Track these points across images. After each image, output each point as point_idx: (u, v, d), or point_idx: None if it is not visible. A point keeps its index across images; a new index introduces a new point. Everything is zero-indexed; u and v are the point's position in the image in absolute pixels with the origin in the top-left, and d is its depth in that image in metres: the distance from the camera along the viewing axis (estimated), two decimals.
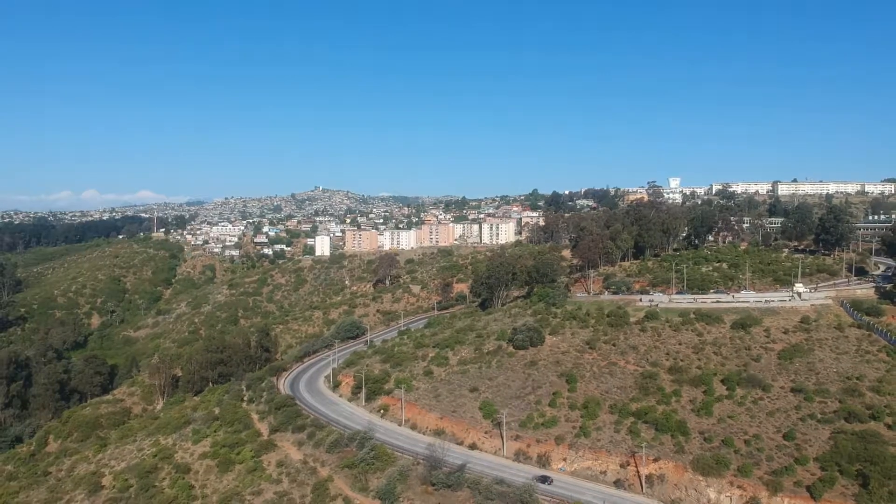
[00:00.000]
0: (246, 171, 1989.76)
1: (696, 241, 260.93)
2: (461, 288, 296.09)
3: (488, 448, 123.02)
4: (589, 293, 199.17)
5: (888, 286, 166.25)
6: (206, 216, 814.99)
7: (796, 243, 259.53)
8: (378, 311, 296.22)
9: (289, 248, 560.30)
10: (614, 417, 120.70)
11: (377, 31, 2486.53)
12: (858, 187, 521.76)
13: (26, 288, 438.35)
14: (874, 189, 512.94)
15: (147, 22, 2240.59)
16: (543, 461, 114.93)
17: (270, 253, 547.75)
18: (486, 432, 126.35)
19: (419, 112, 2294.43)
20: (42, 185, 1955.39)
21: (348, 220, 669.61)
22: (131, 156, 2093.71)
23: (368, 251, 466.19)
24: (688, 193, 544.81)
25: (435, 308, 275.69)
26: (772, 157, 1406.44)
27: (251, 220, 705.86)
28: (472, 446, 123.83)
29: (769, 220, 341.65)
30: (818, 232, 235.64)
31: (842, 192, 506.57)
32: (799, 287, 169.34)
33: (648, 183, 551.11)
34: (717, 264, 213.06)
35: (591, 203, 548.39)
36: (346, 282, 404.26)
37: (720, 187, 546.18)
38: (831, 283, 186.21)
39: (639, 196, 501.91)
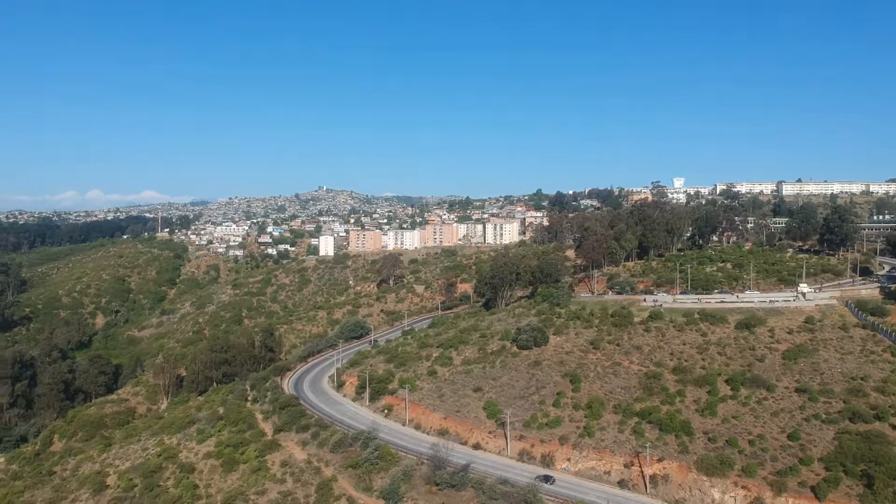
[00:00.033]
0: (250, 172, 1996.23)
1: (701, 242, 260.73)
2: (465, 288, 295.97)
3: (492, 448, 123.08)
4: (593, 293, 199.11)
5: (893, 286, 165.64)
6: (210, 216, 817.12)
7: (801, 243, 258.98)
8: (382, 311, 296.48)
9: (293, 248, 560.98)
10: (618, 417, 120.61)
11: (378, 31, 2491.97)
12: (863, 187, 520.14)
13: (31, 288, 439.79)
14: (879, 189, 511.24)
15: (148, 22, 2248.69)
16: (547, 461, 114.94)
17: (274, 253, 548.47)
18: (489, 432, 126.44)
19: (423, 112, 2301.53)
20: (46, 185, 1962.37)
21: (352, 220, 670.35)
22: (135, 156, 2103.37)
23: (372, 251, 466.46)
24: (692, 193, 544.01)
25: (439, 308, 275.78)
26: (776, 157, 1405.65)
27: (255, 220, 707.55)
28: (476, 446, 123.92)
29: (773, 220, 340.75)
30: (823, 232, 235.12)
31: (846, 192, 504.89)
32: (803, 287, 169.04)
33: (652, 183, 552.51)
34: (722, 264, 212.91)
35: (595, 203, 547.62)
36: (350, 282, 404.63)
37: (724, 187, 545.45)
38: (836, 283, 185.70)
39: (643, 196, 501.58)
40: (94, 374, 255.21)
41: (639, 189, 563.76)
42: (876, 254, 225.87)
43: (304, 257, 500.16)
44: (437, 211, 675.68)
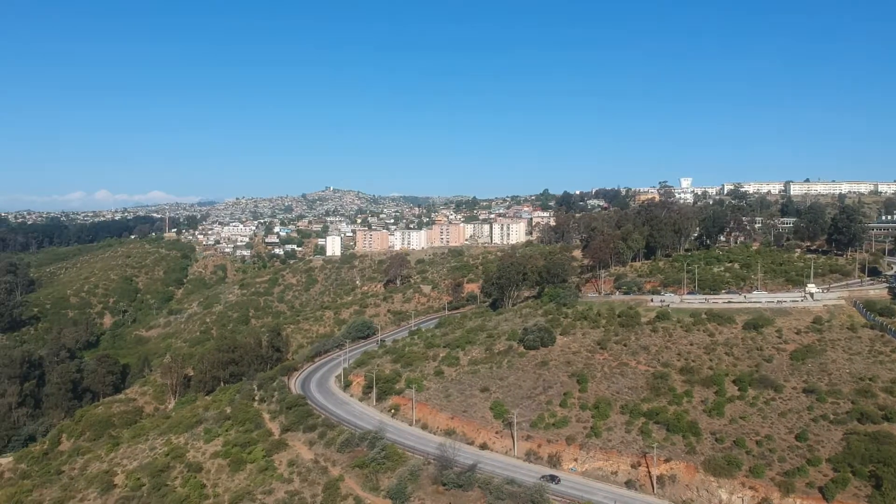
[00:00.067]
0: (257, 172, 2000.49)
1: (708, 242, 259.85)
2: (472, 288, 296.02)
3: (499, 448, 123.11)
4: (600, 293, 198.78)
5: None
6: (217, 216, 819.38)
7: (808, 243, 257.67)
8: (389, 311, 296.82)
9: (300, 249, 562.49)
10: (625, 418, 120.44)
11: (379, 31, 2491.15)
12: (871, 187, 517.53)
13: (39, 288, 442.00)
14: (887, 189, 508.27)
15: (157, 23, 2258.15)
16: (554, 461, 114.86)
17: (281, 253, 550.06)
18: (496, 432, 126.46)
19: (429, 112, 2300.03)
20: (54, 185, 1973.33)
21: (359, 221, 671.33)
22: (142, 156, 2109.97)
23: (379, 251, 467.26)
24: (699, 193, 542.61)
25: (446, 308, 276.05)
26: (784, 157, 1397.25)
27: (262, 221, 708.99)
28: (483, 446, 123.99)
29: (781, 220, 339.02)
30: (831, 232, 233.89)
31: (854, 192, 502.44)
32: (811, 287, 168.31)
33: (660, 183, 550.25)
34: (729, 264, 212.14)
35: (602, 203, 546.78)
36: (357, 282, 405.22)
37: (732, 187, 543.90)
38: (844, 283, 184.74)
39: (650, 196, 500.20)
40: (101, 374, 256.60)
41: (646, 189, 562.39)
42: (884, 254, 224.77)
43: (311, 257, 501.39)
44: (444, 211, 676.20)
